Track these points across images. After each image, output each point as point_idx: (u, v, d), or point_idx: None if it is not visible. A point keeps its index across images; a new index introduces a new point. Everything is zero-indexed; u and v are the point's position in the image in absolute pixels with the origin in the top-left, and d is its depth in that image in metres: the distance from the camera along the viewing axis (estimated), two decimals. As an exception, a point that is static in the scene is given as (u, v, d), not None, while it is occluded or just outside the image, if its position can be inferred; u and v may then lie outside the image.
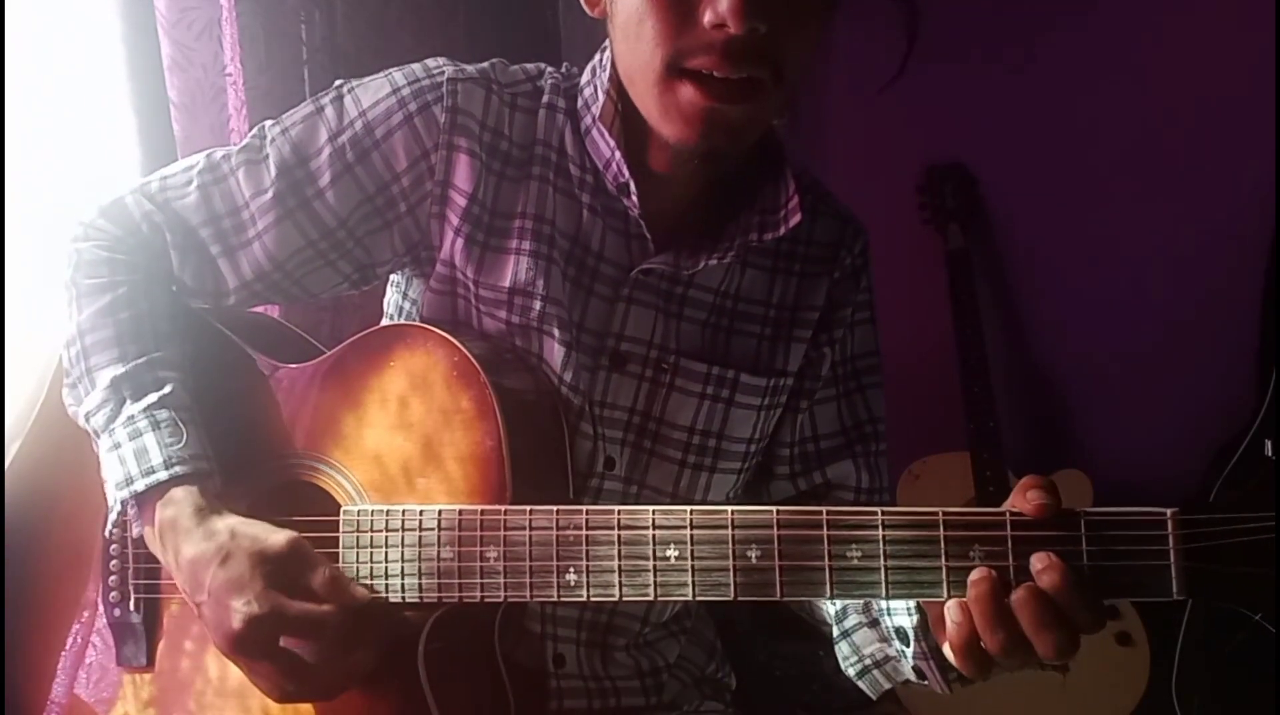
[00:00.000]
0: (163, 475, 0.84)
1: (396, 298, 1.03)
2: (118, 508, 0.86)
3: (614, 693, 1.00)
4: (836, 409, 1.02)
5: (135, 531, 0.87)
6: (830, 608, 0.95)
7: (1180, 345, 2.10)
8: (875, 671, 0.90)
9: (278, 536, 0.81)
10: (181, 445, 0.86)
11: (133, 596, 0.96)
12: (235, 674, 0.90)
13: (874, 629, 0.89)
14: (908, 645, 0.83)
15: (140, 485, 0.84)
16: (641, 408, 0.96)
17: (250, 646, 0.79)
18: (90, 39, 1.26)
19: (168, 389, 0.88)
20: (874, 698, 0.91)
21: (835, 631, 0.93)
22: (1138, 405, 2.14)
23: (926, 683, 0.84)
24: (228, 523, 0.83)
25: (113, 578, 0.96)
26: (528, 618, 0.95)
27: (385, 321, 1.05)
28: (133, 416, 0.86)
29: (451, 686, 0.85)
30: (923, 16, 0.89)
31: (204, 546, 0.81)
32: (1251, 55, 1.97)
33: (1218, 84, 2.01)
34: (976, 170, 2.18)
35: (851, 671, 0.92)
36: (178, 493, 0.84)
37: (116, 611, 0.96)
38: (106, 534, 0.91)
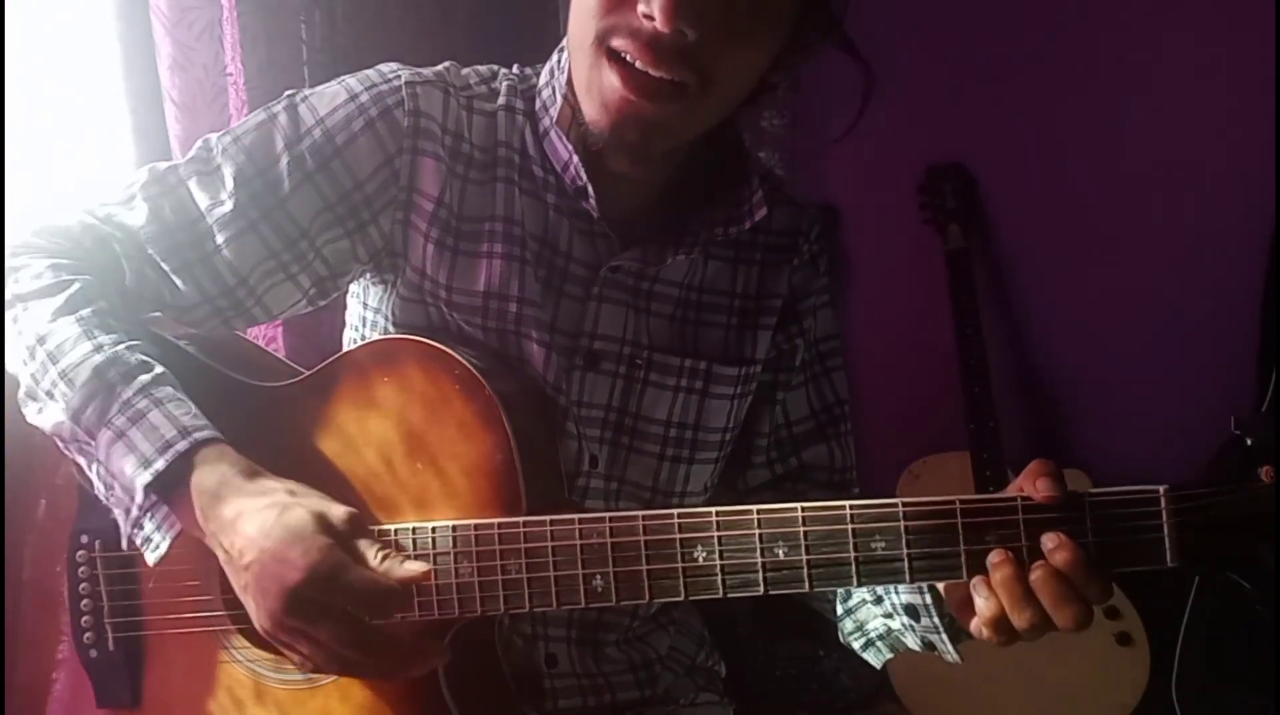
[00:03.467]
0: (183, 445, 0.77)
1: (358, 308, 1.01)
2: (139, 498, 0.77)
3: (608, 688, 1.00)
4: (805, 394, 1.04)
5: (152, 555, 0.79)
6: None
7: (1180, 345, 2.10)
8: (879, 643, 0.94)
9: (338, 506, 0.78)
10: (193, 414, 0.79)
11: (111, 635, 0.91)
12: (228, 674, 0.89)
13: (878, 605, 0.91)
14: (916, 620, 0.86)
15: (161, 462, 0.76)
16: (618, 404, 0.96)
17: (310, 601, 0.73)
18: (86, 37, 1.26)
19: (159, 369, 0.82)
20: (877, 667, 0.96)
21: (839, 609, 0.96)
22: (1138, 405, 2.13)
23: (936, 652, 0.88)
24: (284, 482, 0.79)
25: (85, 618, 0.92)
26: (517, 620, 0.95)
27: (348, 332, 1.03)
28: (129, 401, 0.79)
29: (469, 697, 0.84)
30: (875, 81, 0.91)
31: (262, 500, 0.76)
32: (1251, 55, 1.97)
33: (1217, 84, 2.01)
34: (976, 170, 2.18)
35: (856, 645, 0.95)
36: (211, 455, 0.78)
37: (93, 652, 0.91)
38: (125, 546, 0.81)
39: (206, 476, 0.78)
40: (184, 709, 0.90)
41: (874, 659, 0.95)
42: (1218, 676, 1.87)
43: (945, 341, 2.07)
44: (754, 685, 2.02)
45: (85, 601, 0.92)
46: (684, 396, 0.97)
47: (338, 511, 0.78)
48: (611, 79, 0.82)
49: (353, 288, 1.01)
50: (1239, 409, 2.03)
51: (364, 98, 0.91)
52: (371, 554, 0.76)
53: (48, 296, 0.84)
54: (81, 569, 0.92)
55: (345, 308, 1.05)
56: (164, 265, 0.90)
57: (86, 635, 0.92)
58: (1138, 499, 0.74)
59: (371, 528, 0.81)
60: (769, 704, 2.01)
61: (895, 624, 0.90)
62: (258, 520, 0.75)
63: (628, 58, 0.81)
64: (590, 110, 0.85)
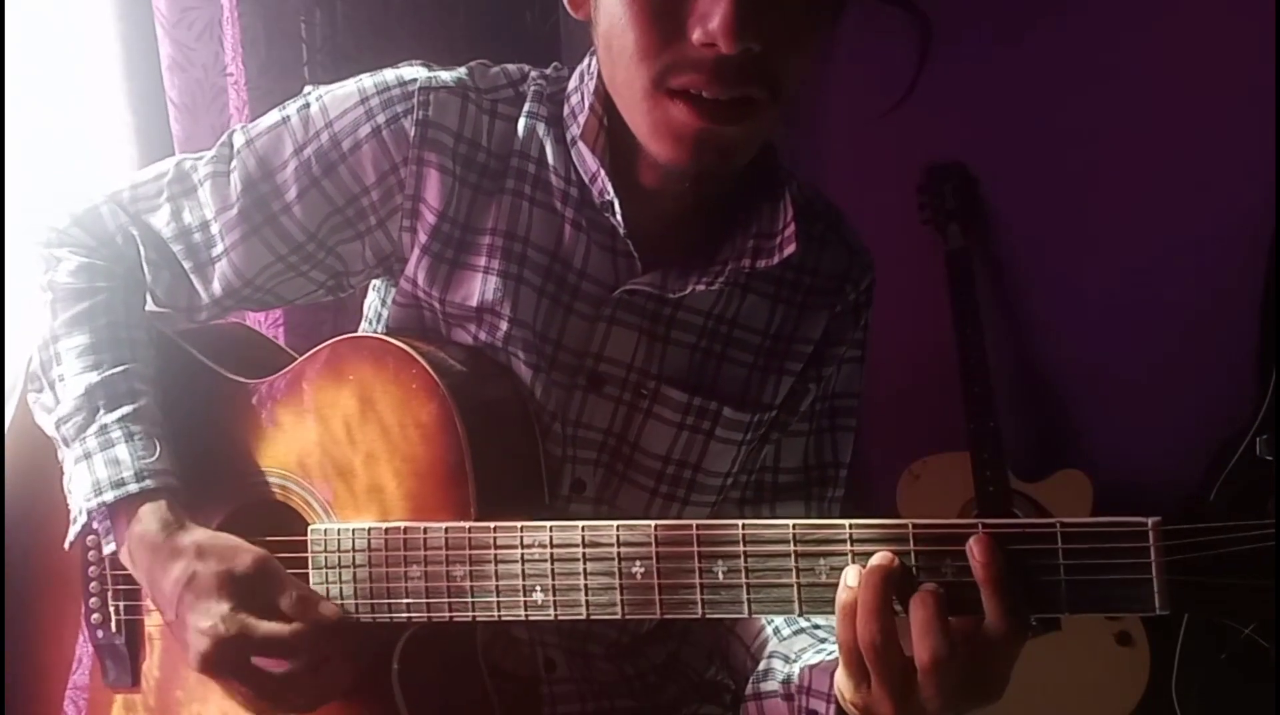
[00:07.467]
0: (133, 487, 0.84)
1: (375, 302, 1.00)
2: (82, 519, 0.85)
3: (606, 695, 0.98)
4: (804, 445, 0.98)
5: (106, 549, 0.87)
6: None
7: (1180, 345, 2.10)
8: None
9: (245, 556, 0.82)
10: (154, 458, 0.85)
11: (113, 618, 0.95)
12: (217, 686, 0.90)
13: None
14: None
15: (110, 496, 0.84)
16: (617, 431, 0.92)
17: (220, 666, 0.80)
18: (86, 37, 1.26)
19: (142, 402, 0.88)
20: None
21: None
22: (1138, 405, 2.14)
23: None
24: (194, 538, 0.82)
25: (93, 600, 0.95)
26: (514, 624, 0.93)
27: (364, 324, 1.03)
28: (105, 426, 0.85)
29: (430, 704, 0.84)
30: (934, 34, 0.85)
31: (171, 565, 0.81)
32: (1251, 54, 1.97)
33: (1218, 84, 2.01)
34: (976, 170, 2.18)
35: None
36: (147, 507, 0.84)
37: (99, 634, 0.95)
38: (67, 547, 0.89)
39: (136, 526, 0.84)
40: (176, 691, 0.92)
41: None
42: (1217, 676, 1.87)
43: (945, 341, 2.07)
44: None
45: (94, 585, 0.96)
46: (687, 435, 0.92)
47: (243, 563, 0.81)
48: (681, 114, 0.77)
49: (374, 282, 1.01)
50: (1238, 409, 2.02)
51: (374, 102, 0.89)
52: (285, 601, 0.81)
53: (74, 300, 0.92)
54: (90, 552, 0.95)
55: (359, 303, 1.05)
56: (183, 264, 0.95)
57: (94, 616, 0.96)
58: (1121, 533, 0.64)
59: (288, 571, 0.83)
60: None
61: None
62: (167, 587, 0.82)
63: (692, 90, 0.76)
64: (661, 149, 0.80)
